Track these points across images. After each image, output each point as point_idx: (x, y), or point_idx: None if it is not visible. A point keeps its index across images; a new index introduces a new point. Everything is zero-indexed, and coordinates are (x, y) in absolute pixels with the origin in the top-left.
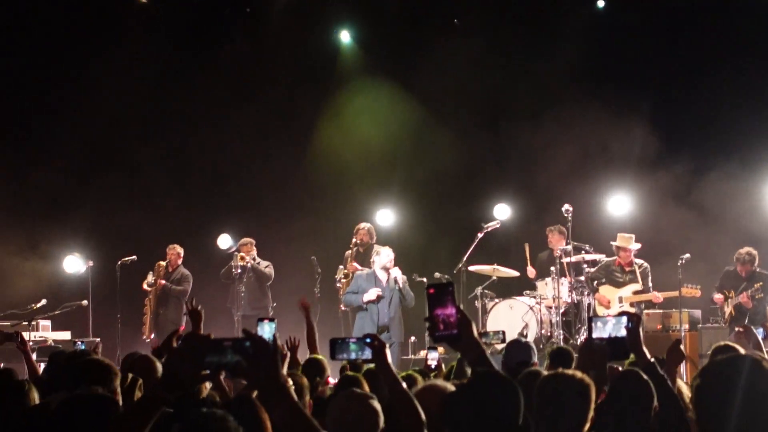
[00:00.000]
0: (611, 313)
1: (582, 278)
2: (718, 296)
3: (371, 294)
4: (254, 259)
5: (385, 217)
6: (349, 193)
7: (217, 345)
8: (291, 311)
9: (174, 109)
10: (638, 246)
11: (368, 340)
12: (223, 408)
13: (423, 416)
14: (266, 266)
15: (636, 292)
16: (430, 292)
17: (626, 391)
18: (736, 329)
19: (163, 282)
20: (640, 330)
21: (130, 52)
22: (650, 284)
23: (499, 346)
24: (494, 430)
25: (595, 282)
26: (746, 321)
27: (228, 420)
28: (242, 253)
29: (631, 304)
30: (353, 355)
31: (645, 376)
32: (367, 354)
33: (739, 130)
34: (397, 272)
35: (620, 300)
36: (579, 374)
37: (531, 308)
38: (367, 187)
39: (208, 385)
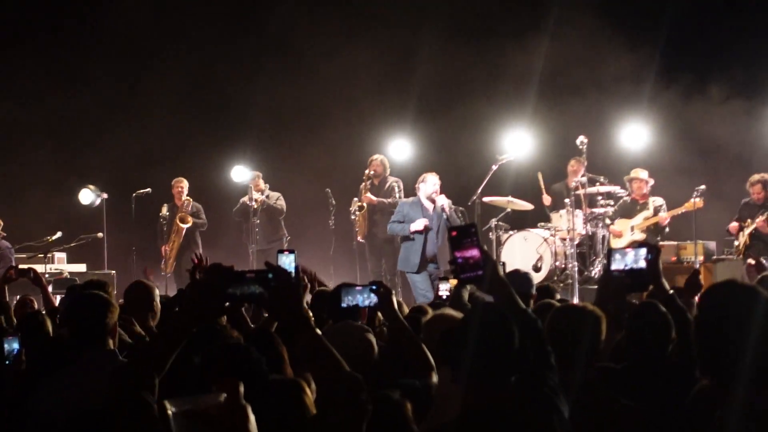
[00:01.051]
0: (623, 242)
1: (596, 210)
2: (732, 224)
3: (419, 224)
4: (262, 192)
5: (400, 148)
6: (362, 125)
7: (240, 277)
8: (306, 244)
9: (181, 40)
10: (650, 179)
11: (374, 287)
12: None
13: (430, 357)
14: (277, 198)
15: (647, 219)
16: (452, 234)
17: (645, 323)
18: (748, 261)
19: (191, 219)
20: (659, 262)
21: None
22: (678, 213)
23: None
24: (490, 364)
25: (612, 220)
26: (758, 253)
27: (250, 350)
28: (255, 195)
29: (642, 231)
30: (360, 302)
31: (663, 308)
32: (374, 300)
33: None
34: (443, 200)
35: (632, 229)
36: (590, 306)
37: (545, 240)
38: (380, 118)
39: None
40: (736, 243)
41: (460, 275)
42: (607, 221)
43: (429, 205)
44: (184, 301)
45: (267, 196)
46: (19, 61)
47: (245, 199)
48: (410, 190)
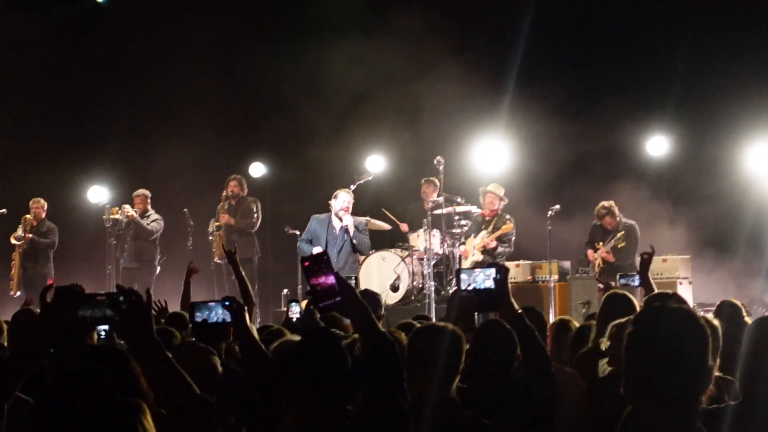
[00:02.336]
0: (468, 263)
1: (454, 230)
2: (589, 251)
3: (317, 251)
4: (145, 211)
5: (257, 169)
6: (220, 146)
7: (91, 299)
8: (164, 264)
9: (33, 57)
10: (504, 197)
11: (227, 303)
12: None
13: None
14: (153, 220)
15: (483, 240)
16: (305, 264)
17: (489, 341)
18: (599, 286)
19: (31, 235)
20: (507, 281)
21: None
22: (511, 237)
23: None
24: (323, 389)
25: (464, 237)
26: (616, 274)
27: (102, 375)
28: (115, 207)
29: (482, 252)
30: (213, 317)
31: (507, 326)
32: (227, 316)
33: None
34: (349, 219)
35: (473, 249)
36: (450, 326)
37: (403, 260)
38: (238, 139)
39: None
40: (591, 268)
41: (318, 304)
42: (462, 239)
43: (338, 223)
44: (37, 324)
45: (148, 216)
46: None
47: (105, 216)
48: (267, 211)
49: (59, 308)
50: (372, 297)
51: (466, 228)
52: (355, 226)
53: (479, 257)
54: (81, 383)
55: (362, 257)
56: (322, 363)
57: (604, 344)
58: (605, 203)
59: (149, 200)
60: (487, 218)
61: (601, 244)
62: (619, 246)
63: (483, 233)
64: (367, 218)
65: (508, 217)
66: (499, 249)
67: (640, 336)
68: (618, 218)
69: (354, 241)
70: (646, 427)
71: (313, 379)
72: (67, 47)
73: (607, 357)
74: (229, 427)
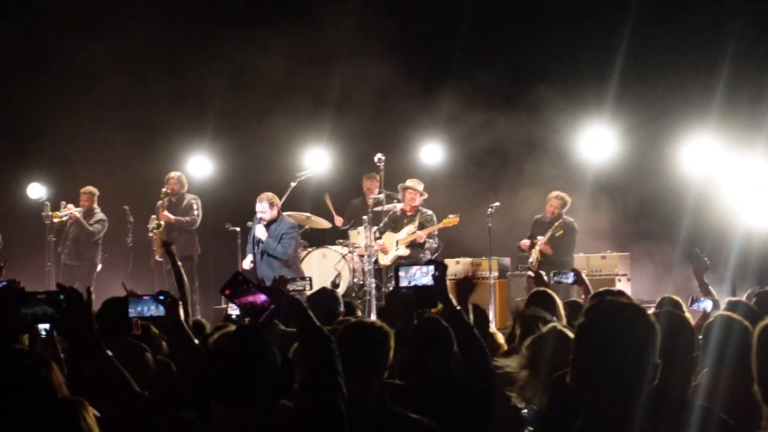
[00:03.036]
0: (389, 257)
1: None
2: (524, 241)
3: (246, 260)
4: (90, 210)
5: (199, 164)
6: (160, 140)
7: (31, 298)
8: (104, 261)
9: None
10: (423, 192)
11: (161, 297)
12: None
13: None
14: (96, 221)
15: (410, 234)
16: (226, 293)
17: (425, 337)
18: (528, 274)
19: None
20: (446, 278)
21: None
22: (434, 231)
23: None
24: (249, 385)
25: (382, 233)
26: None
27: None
28: (56, 212)
29: (407, 246)
30: (146, 312)
31: (444, 323)
32: (161, 310)
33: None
34: (259, 230)
35: (396, 243)
36: (378, 322)
37: (344, 257)
38: (178, 133)
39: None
40: (530, 259)
41: (257, 320)
42: (376, 235)
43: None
44: None
45: (94, 214)
46: None
47: (44, 213)
48: (207, 208)
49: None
50: (330, 295)
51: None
52: (274, 233)
53: (404, 252)
54: (22, 381)
55: (303, 254)
56: (249, 359)
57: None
58: (560, 192)
59: (96, 198)
60: (409, 213)
61: (539, 238)
62: (557, 234)
63: (408, 227)
64: (308, 214)
65: (430, 213)
66: (428, 243)
67: (592, 328)
68: (562, 209)
69: (268, 247)
70: (594, 425)
71: (241, 375)
72: (4, 42)
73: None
74: (181, 423)
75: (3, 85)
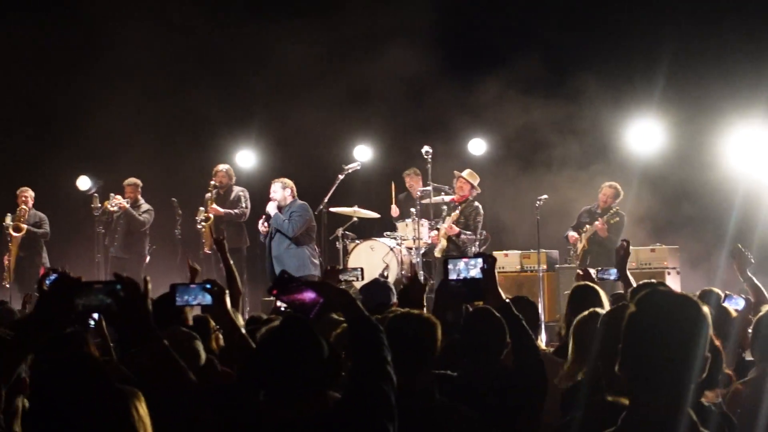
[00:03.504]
0: (439, 249)
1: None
2: (571, 234)
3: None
4: (136, 202)
5: (246, 158)
6: (208, 134)
7: (87, 287)
8: (153, 254)
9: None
10: (477, 187)
11: (208, 286)
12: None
13: None
14: (144, 212)
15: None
16: (274, 293)
17: (478, 329)
18: (577, 272)
19: (26, 227)
20: (495, 271)
21: None
22: (477, 222)
23: (358, 284)
24: (299, 377)
25: (436, 223)
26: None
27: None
28: (107, 202)
29: (447, 239)
30: (193, 300)
31: (497, 314)
32: (207, 299)
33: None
34: (270, 205)
35: (441, 236)
36: (425, 314)
37: (391, 249)
38: (227, 128)
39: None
40: (574, 252)
41: (308, 316)
42: (438, 225)
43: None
44: (34, 311)
45: (139, 206)
46: None
47: (93, 204)
48: (256, 200)
49: (56, 296)
50: (382, 286)
51: None
52: (285, 214)
53: (444, 244)
54: (77, 370)
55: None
56: (297, 350)
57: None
58: (615, 183)
59: (140, 189)
60: (456, 203)
61: (587, 227)
62: (612, 222)
63: (448, 220)
64: (355, 207)
65: (476, 205)
66: (462, 236)
67: (642, 317)
68: (615, 199)
69: (273, 224)
70: (640, 417)
71: (288, 365)
72: (51, 35)
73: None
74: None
75: (51, 78)
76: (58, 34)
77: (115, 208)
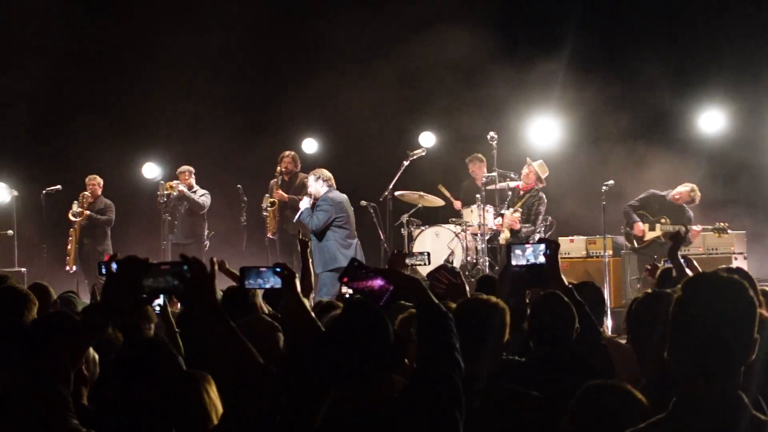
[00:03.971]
0: (502, 237)
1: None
2: (639, 225)
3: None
4: (191, 187)
5: (310, 145)
6: (274, 121)
7: (155, 269)
8: (218, 240)
9: (92, 39)
10: (542, 173)
11: (278, 269)
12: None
13: None
14: (201, 195)
15: (513, 212)
16: (344, 280)
17: (549, 314)
18: (646, 267)
19: (88, 212)
20: (558, 257)
21: None
22: (538, 212)
23: (424, 269)
24: (365, 362)
25: (497, 211)
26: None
27: (166, 347)
28: (170, 182)
29: (509, 230)
30: (262, 284)
31: (566, 299)
32: (277, 283)
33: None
34: (303, 201)
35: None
36: (494, 298)
37: (457, 235)
38: (292, 114)
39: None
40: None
41: (378, 304)
42: (502, 211)
43: None
44: (102, 294)
45: (195, 191)
46: None
47: (159, 191)
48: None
49: (124, 277)
50: (450, 271)
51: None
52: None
53: (507, 234)
54: (149, 353)
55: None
56: (365, 335)
57: None
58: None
59: (194, 175)
60: (521, 192)
61: (665, 219)
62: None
63: (512, 210)
64: (420, 193)
65: (540, 195)
66: (523, 230)
67: (688, 300)
68: (691, 202)
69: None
70: (692, 403)
71: (355, 350)
72: (117, 22)
73: None
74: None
75: (118, 66)
76: (124, 21)
77: (175, 193)
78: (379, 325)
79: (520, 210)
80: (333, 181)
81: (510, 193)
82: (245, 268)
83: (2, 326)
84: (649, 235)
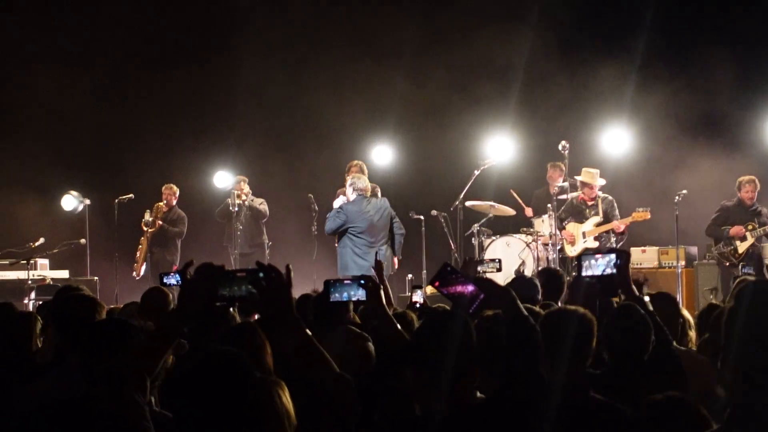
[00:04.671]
0: (576, 249)
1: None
2: (736, 228)
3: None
4: (246, 196)
5: (382, 153)
6: (345, 130)
7: (231, 276)
8: (289, 249)
9: (163, 47)
10: (602, 182)
11: (362, 282)
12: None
13: None
14: (260, 203)
15: (597, 225)
16: (436, 284)
17: (625, 326)
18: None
19: (161, 222)
20: (629, 267)
21: None
22: (617, 215)
23: (498, 276)
24: (450, 365)
25: (563, 221)
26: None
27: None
28: (238, 192)
29: (595, 238)
30: (347, 296)
31: (642, 311)
32: (362, 295)
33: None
34: (335, 201)
35: (584, 235)
36: (581, 309)
37: (528, 245)
38: (363, 123)
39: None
40: (729, 247)
41: (467, 310)
42: (563, 223)
43: None
44: (177, 301)
45: (252, 200)
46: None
47: (229, 200)
48: (390, 196)
49: (200, 284)
50: (529, 282)
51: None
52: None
53: (592, 244)
54: (223, 360)
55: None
56: (452, 341)
57: None
58: (749, 176)
59: (248, 185)
60: (589, 203)
61: (753, 224)
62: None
63: (594, 219)
64: (491, 203)
65: (610, 198)
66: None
67: (737, 310)
68: (756, 192)
69: None
70: (746, 414)
71: (443, 357)
72: (195, 40)
73: None
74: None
75: (189, 77)
76: (197, 30)
77: (239, 201)
78: (467, 333)
79: (598, 219)
80: (369, 191)
81: (584, 207)
82: (330, 281)
83: (75, 332)
84: (743, 247)
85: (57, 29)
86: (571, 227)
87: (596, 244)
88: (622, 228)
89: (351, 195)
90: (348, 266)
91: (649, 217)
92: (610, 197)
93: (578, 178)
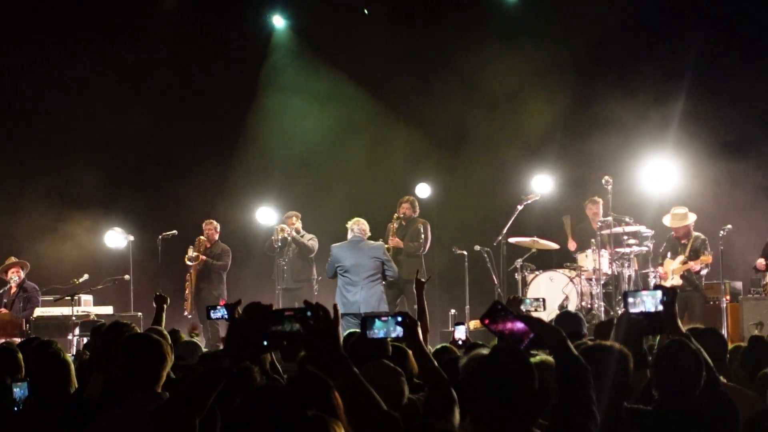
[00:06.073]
0: (671, 283)
1: (622, 250)
2: (760, 261)
3: None
4: (297, 232)
5: (423, 189)
6: (390, 165)
7: (278, 315)
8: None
9: (201, 83)
10: (691, 219)
11: (399, 319)
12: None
13: (454, 395)
14: (309, 239)
15: (683, 263)
16: (486, 322)
17: (675, 362)
18: None
19: (204, 257)
20: (675, 304)
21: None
22: (707, 254)
23: (542, 314)
24: (510, 406)
25: (661, 258)
26: None
27: (289, 393)
28: (282, 225)
29: (681, 276)
30: (383, 334)
31: (693, 346)
32: (399, 332)
33: None
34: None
35: (672, 273)
36: (617, 345)
37: (571, 280)
38: (404, 160)
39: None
40: (763, 282)
41: (522, 348)
42: (660, 261)
43: None
44: (226, 340)
45: (302, 236)
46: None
47: (273, 236)
48: (433, 231)
49: (249, 323)
50: (574, 317)
51: (635, 248)
52: None
53: (678, 281)
54: (274, 397)
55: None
56: (509, 380)
57: None
58: None
59: (300, 220)
60: (683, 241)
61: None
62: None
63: (681, 257)
64: (534, 238)
65: (702, 237)
66: (702, 272)
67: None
68: None
69: None
70: None
71: (499, 395)
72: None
73: None
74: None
75: (229, 113)
76: (238, 68)
77: (288, 237)
78: (526, 369)
79: (684, 258)
80: (366, 233)
81: (674, 240)
82: (367, 317)
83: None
84: None
85: (109, 66)
86: (666, 263)
87: (681, 282)
88: (697, 268)
89: (348, 235)
90: (339, 301)
91: (710, 261)
92: (703, 236)
93: (666, 223)
